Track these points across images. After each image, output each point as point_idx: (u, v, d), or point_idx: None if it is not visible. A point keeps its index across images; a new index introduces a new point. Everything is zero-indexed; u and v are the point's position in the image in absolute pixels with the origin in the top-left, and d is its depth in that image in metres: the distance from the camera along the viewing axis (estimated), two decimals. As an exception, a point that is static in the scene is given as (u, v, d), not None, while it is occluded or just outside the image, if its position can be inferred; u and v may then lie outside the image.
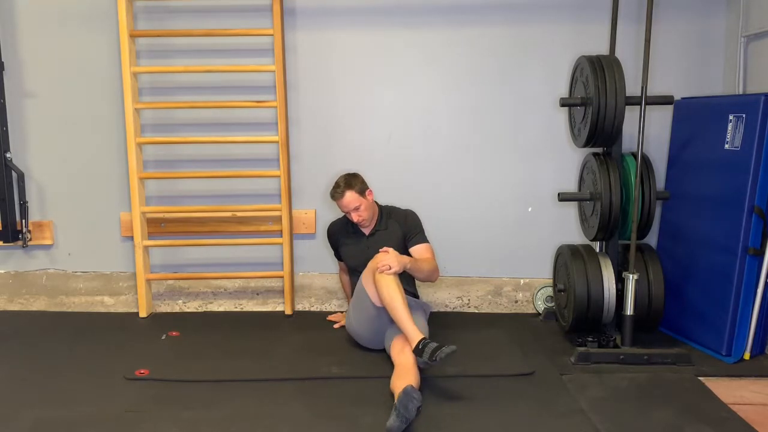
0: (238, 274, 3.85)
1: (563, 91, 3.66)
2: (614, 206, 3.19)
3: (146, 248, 3.85)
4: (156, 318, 3.84)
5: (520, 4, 3.74)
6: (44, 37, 3.81)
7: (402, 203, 3.66)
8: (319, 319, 3.76)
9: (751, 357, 3.15)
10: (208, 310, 3.99)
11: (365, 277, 3.13)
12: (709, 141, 3.35)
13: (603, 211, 3.20)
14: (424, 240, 3.40)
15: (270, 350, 3.29)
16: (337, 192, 3.33)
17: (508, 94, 3.82)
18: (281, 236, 3.80)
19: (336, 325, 3.59)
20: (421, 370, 2.82)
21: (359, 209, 3.34)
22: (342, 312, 3.73)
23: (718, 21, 3.71)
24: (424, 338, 2.85)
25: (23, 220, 3.86)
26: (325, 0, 3.77)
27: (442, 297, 3.95)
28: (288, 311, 3.85)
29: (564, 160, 3.82)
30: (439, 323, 3.67)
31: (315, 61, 3.81)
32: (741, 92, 3.54)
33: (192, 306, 3.99)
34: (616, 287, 3.28)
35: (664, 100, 3.25)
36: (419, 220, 3.44)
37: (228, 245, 3.86)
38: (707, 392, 2.83)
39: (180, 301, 4.00)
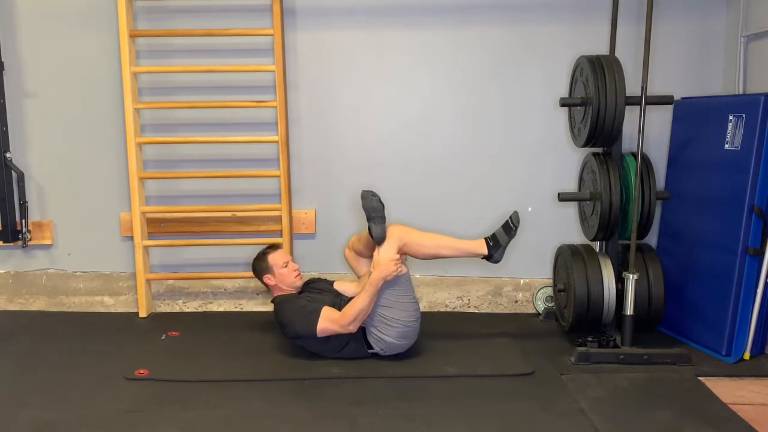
0: (238, 274, 3.84)
1: (563, 91, 3.66)
2: (614, 206, 3.19)
3: (146, 248, 3.85)
4: (156, 318, 3.84)
5: (520, 4, 3.74)
6: (44, 37, 3.81)
7: (402, 203, 3.66)
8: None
9: (751, 357, 3.15)
10: (208, 310, 3.98)
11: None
12: (709, 141, 3.35)
13: (603, 211, 3.20)
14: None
15: (270, 350, 3.28)
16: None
17: (508, 94, 3.82)
18: (281, 236, 3.80)
19: None
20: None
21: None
22: None
23: (718, 21, 3.71)
24: (486, 238, 3.20)
25: (23, 220, 3.86)
26: (325, 0, 3.77)
27: (442, 297, 3.95)
28: (288, 311, 3.84)
29: (564, 160, 3.81)
30: (439, 323, 3.68)
31: (315, 61, 3.81)
32: (741, 92, 3.54)
33: (192, 306, 3.99)
34: (616, 287, 3.27)
35: (664, 100, 3.25)
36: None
37: (228, 245, 3.86)
38: (707, 392, 2.83)
39: (180, 301, 3.99)
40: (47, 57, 3.83)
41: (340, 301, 3.17)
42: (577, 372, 3.03)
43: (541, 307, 3.86)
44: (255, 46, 3.78)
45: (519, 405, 2.72)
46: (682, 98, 3.60)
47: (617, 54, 3.42)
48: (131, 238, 3.85)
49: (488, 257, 3.20)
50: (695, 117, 3.52)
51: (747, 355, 3.14)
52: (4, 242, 3.84)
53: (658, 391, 2.83)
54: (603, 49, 3.55)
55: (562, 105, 3.36)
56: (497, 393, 2.82)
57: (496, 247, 3.18)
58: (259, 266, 3.32)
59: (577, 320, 3.34)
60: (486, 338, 3.44)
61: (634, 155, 3.26)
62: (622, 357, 3.10)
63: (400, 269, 3.03)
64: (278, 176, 3.76)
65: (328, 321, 3.03)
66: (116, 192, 3.90)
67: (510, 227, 3.18)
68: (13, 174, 3.83)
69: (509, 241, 3.19)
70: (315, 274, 3.71)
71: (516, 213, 3.21)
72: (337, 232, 3.87)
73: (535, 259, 3.89)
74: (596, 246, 3.54)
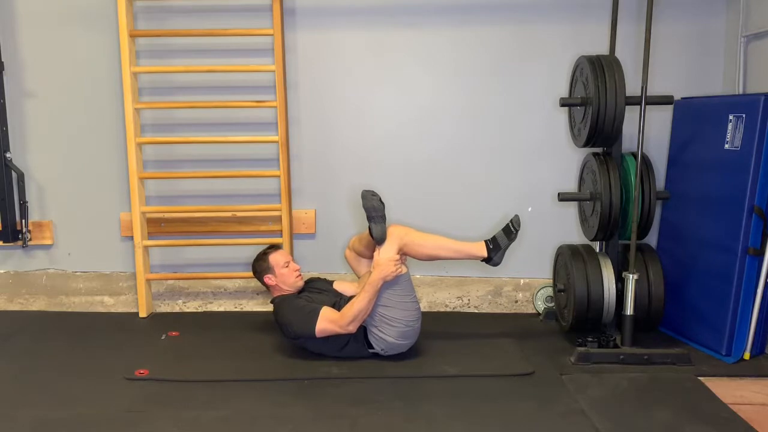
0: (238, 274, 3.84)
1: (563, 91, 3.66)
2: (614, 206, 3.19)
3: (146, 248, 3.85)
4: (156, 318, 3.84)
5: (520, 4, 3.74)
6: (44, 37, 3.81)
7: (402, 203, 3.66)
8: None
9: (751, 357, 3.15)
10: (208, 310, 3.98)
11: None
12: (709, 141, 3.35)
13: (603, 211, 3.20)
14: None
15: (270, 350, 3.28)
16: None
17: (508, 94, 3.82)
18: (281, 236, 3.80)
19: None
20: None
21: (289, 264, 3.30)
22: None
23: (718, 21, 3.71)
24: (486, 240, 3.18)
25: (23, 220, 3.86)
26: (325, 0, 3.77)
27: (442, 297, 3.95)
28: (288, 311, 3.84)
29: (564, 160, 3.81)
30: (439, 323, 3.68)
31: (315, 61, 3.81)
32: (741, 92, 3.54)
33: (192, 306, 3.99)
34: (616, 287, 3.28)
35: (664, 100, 3.25)
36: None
37: (228, 245, 3.86)
38: (707, 392, 2.83)
39: (180, 301, 3.99)
40: (47, 57, 3.83)
41: (339, 301, 3.17)
42: (577, 372, 3.03)
43: (541, 307, 3.85)
44: (255, 46, 3.78)
45: (519, 405, 2.72)
46: (682, 98, 3.60)
47: (617, 54, 3.42)
48: (131, 238, 3.85)
49: (488, 260, 3.20)
50: (695, 117, 3.51)
51: (747, 355, 3.14)
52: (4, 242, 3.85)
53: (658, 391, 2.83)
54: (603, 49, 3.55)
55: (562, 105, 3.36)
56: (497, 393, 2.82)
57: (496, 249, 3.18)
58: (260, 266, 3.31)
59: (577, 320, 3.34)
60: (486, 338, 3.44)
61: (634, 155, 3.26)
62: (622, 357, 3.10)
63: (399, 269, 3.03)
64: (278, 176, 3.76)
65: (327, 321, 3.03)
66: (116, 192, 3.90)
67: (511, 230, 3.18)
68: (13, 174, 3.83)
69: (509, 245, 3.19)
70: (315, 274, 3.71)
71: (517, 216, 3.21)
72: (337, 232, 3.87)
73: (535, 259, 3.89)
74: (596, 246, 3.54)
